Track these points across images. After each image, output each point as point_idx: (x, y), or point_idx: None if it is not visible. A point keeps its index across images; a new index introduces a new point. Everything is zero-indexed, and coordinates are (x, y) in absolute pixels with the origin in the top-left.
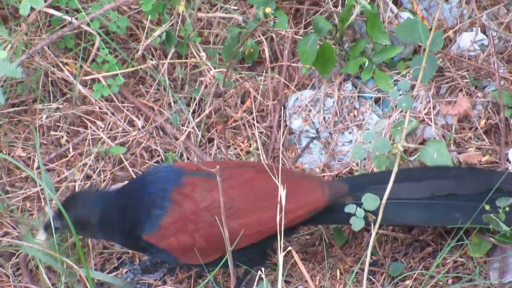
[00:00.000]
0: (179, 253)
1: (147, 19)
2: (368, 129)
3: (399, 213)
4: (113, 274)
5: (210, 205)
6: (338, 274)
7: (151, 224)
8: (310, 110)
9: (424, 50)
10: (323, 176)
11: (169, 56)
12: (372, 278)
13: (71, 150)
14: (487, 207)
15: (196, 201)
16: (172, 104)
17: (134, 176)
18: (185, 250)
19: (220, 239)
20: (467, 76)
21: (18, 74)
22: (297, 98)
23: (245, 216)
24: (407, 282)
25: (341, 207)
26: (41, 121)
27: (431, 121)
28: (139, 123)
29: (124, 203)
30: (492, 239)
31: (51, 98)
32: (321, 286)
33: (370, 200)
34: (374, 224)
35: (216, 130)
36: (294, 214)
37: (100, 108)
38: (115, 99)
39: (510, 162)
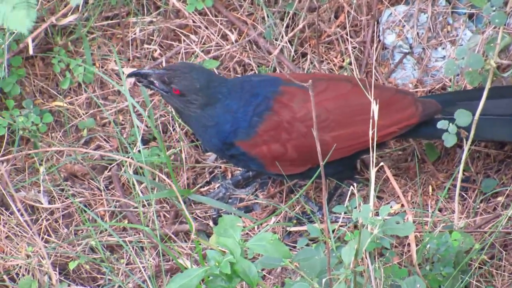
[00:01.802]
0: (269, 161)
1: None
2: (461, 45)
3: (491, 129)
4: (205, 188)
5: (305, 116)
6: (430, 190)
7: (247, 131)
8: (404, 26)
9: None
10: (416, 92)
11: None
12: (464, 194)
13: (164, 63)
14: None
15: (293, 110)
16: (266, 18)
17: None
18: (275, 159)
19: (311, 151)
20: None
21: None
22: (391, 13)
23: (339, 129)
24: (499, 198)
25: (433, 122)
26: (135, 34)
27: None
28: (233, 37)
29: (228, 100)
30: None
31: (145, 11)
32: (413, 202)
33: (462, 116)
34: (467, 140)
35: (310, 44)
36: (386, 130)
37: (193, 21)
38: (208, 12)
39: None
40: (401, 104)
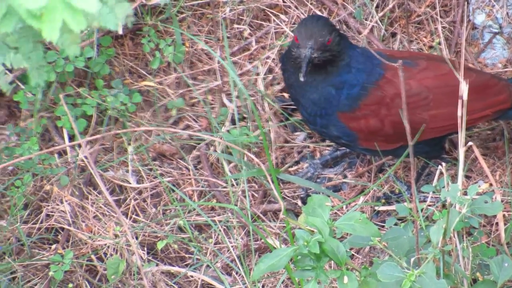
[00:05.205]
0: (364, 135)
1: None
2: None
3: None
4: (294, 168)
5: (407, 92)
6: None
7: (349, 103)
8: (494, 5)
9: None
10: (506, 71)
11: None
12: None
13: (254, 43)
14: None
15: (396, 87)
16: None
17: None
18: (370, 134)
19: None
20: None
21: None
22: None
23: (438, 108)
24: None
25: None
26: (225, 14)
27: None
28: None
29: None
30: None
31: None
32: (501, 181)
33: None
34: None
35: (399, 24)
36: (480, 113)
37: (284, 1)
38: None
39: None
40: (496, 89)
